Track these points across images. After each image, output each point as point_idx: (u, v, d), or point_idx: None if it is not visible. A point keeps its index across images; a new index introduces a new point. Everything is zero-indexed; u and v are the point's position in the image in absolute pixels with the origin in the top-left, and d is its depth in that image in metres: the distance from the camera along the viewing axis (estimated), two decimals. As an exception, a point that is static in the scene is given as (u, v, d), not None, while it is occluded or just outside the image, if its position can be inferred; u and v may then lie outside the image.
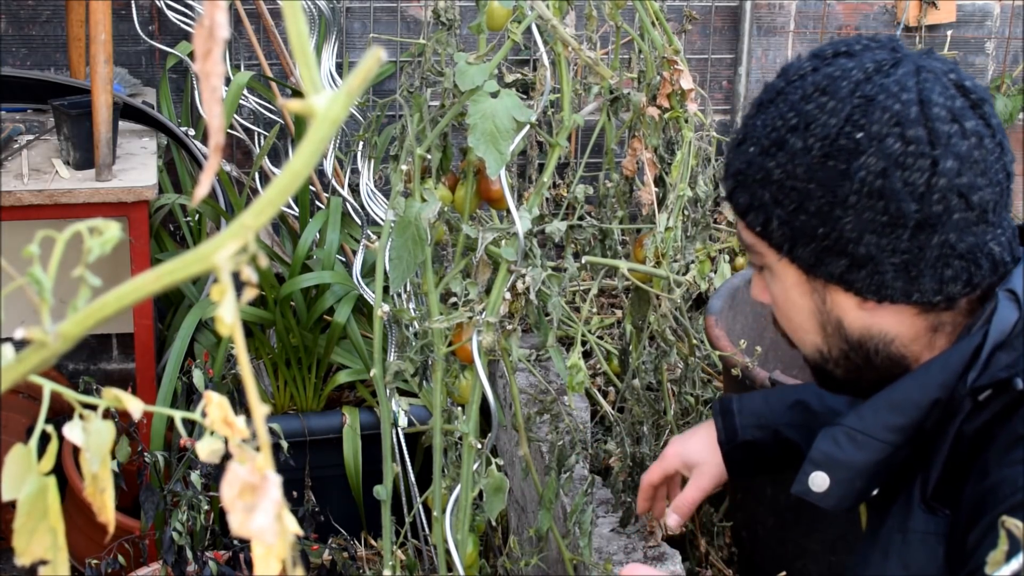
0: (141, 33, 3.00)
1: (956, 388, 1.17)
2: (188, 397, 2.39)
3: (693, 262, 1.88)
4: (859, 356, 1.24)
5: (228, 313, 0.51)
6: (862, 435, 1.21)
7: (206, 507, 2.06)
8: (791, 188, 1.18)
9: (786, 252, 1.21)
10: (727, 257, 2.60)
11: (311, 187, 2.99)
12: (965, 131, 1.15)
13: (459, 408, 1.78)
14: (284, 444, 2.08)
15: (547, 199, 2.56)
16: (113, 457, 1.98)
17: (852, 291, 1.20)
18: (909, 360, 1.23)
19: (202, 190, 0.52)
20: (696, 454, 1.58)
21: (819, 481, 1.24)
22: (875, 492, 1.26)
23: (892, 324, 1.21)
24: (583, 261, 1.83)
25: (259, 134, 3.07)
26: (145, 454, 2.15)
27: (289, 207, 2.92)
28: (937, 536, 1.18)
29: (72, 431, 0.60)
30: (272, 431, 2.09)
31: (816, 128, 1.17)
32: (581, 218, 1.83)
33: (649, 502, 1.69)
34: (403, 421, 2.13)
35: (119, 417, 2.08)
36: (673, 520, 1.57)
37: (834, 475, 1.23)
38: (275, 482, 0.53)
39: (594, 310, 2.84)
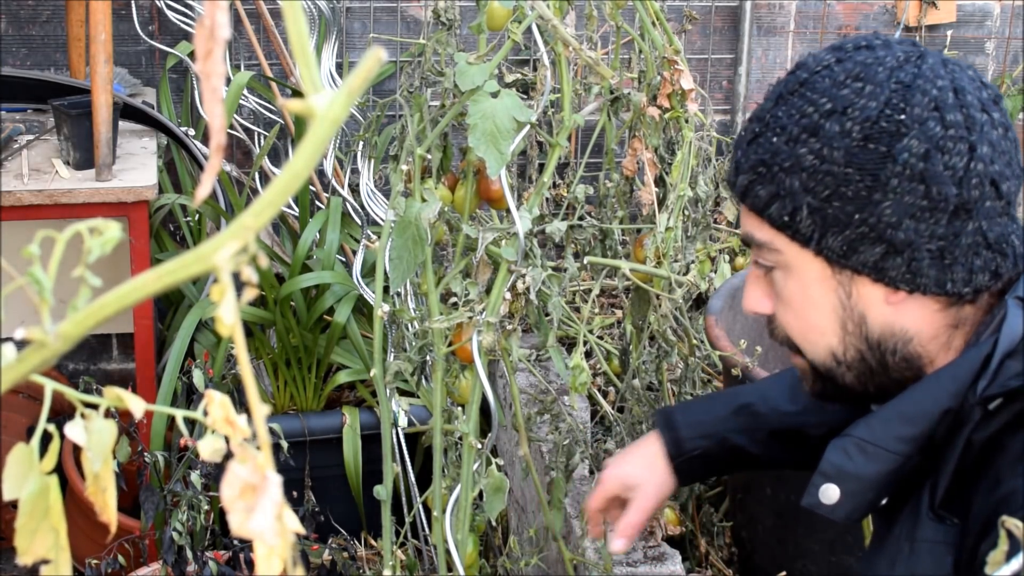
0: (141, 33, 3.00)
1: (966, 397, 1.16)
2: (188, 397, 2.39)
3: (693, 262, 1.88)
4: (875, 357, 1.23)
5: (228, 313, 0.51)
6: (873, 446, 1.20)
7: (206, 507, 2.06)
8: (826, 173, 1.16)
9: (814, 243, 1.19)
10: (727, 257, 2.60)
11: (311, 187, 2.99)
12: (994, 121, 1.17)
13: (459, 408, 1.78)
14: (284, 444, 2.08)
15: (547, 199, 2.56)
16: (113, 457, 1.98)
17: (883, 281, 1.18)
18: (924, 362, 1.22)
19: (204, 191, 0.52)
20: (634, 476, 1.53)
21: (830, 493, 1.22)
22: (884, 501, 1.25)
23: (914, 320, 1.20)
24: (583, 261, 1.83)
25: (259, 134, 3.07)
26: (145, 454, 2.15)
27: (289, 207, 2.92)
28: (946, 545, 1.17)
29: (74, 431, 0.60)
30: (272, 431, 2.09)
31: (854, 112, 1.16)
32: (581, 218, 1.83)
33: (601, 526, 1.63)
34: (403, 421, 2.13)
35: (119, 417, 2.08)
36: (620, 545, 1.51)
37: (845, 487, 1.22)
38: (275, 482, 0.53)
39: (595, 310, 2.84)
